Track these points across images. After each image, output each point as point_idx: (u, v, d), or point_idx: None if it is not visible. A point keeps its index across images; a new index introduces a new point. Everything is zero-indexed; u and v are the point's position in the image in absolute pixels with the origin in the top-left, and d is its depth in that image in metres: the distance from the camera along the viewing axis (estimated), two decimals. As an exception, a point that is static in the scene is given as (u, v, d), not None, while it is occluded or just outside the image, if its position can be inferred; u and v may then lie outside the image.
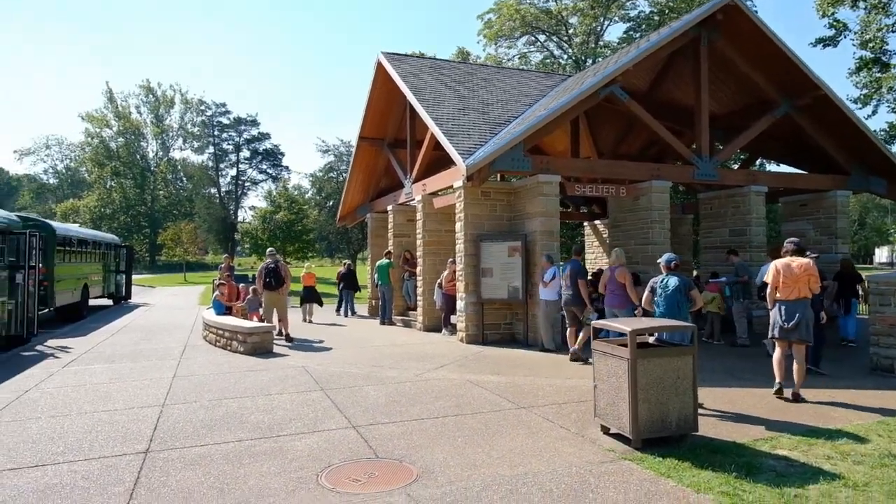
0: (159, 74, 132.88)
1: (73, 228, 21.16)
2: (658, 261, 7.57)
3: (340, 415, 6.64)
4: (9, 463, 5.19)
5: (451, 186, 13.07)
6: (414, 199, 15.08)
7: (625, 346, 5.44)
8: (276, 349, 11.25)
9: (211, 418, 6.53)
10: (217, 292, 14.12)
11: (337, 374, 8.91)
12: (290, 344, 12.09)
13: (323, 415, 6.65)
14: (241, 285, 15.80)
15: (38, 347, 12.28)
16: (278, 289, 12.67)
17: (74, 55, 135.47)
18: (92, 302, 20.72)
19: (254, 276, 17.43)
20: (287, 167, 76.47)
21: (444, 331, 13.56)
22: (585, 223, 19.99)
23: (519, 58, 38.37)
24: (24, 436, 5.98)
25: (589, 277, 11.53)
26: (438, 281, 13.65)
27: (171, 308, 22.25)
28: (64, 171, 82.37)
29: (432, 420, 6.41)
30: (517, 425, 6.22)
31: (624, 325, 5.66)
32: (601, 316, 9.59)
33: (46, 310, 15.96)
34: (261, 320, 12.83)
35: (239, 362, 10.06)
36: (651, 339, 6.18)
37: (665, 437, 5.48)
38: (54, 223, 18.51)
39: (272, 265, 12.83)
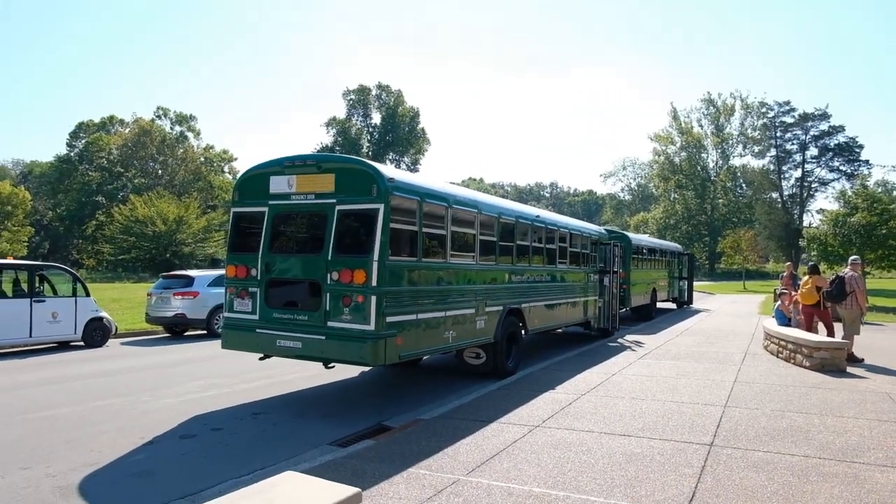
0: (719, 85, 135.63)
1: (644, 238, 24.06)
2: None
3: (939, 457, 5.50)
4: (605, 428, 6.54)
5: None
6: None
7: None
8: (850, 369, 10.02)
9: (773, 427, 6.48)
10: (779, 302, 13.57)
11: (935, 410, 7.32)
12: (865, 364, 10.54)
13: (913, 452, 5.66)
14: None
15: (619, 340, 14.57)
16: (839, 302, 11.20)
17: (653, 87, 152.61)
18: (658, 305, 23.02)
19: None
20: (867, 161, 65.49)
21: None
22: None
23: None
24: (612, 410, 7.37)
25: None
26: None
27: (730, 315, 22.46)
28: (636, 187, 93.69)
29: None
30: None
31: None
32: None
33: (624, 309, 18.72)
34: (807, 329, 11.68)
35: (803, 377, 9.46)
36: None
37: None
38: (630, 234, 21.52)
39: (838, 276, 11.51)
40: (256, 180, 8.03)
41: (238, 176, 9.56)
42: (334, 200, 7.38)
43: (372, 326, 7.00)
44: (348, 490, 3.34)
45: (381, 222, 7.08)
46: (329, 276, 7.22)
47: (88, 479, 5.30)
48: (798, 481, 4.89)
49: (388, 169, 7.66)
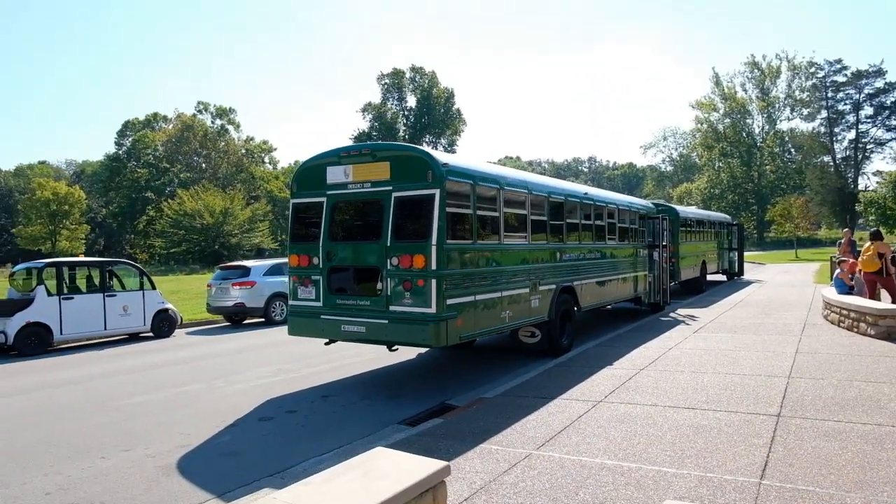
0: (762, 48, 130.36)
1: (692, 210, 23.59)
2: None
3: None
4: (668, 402, 6.61)
5: None
6: None
7: None
8: (917, 336, 9.77)
9: (841, 397, 6.44)
10: (838, 270, 13.22)
11: None
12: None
13: None
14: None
15: (671, 315, 14.47)
16: None
17: (691, 55, 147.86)
18: (708, 277, 22.62)
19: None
20: (928, 117, 62.18)
21: None
22: None
23: None
24: (673, 384, 7.41)
25: None
26: None
27: (785, 285, 21.93)
28: (678, 158, 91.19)
29: None
30: None
31: None
32: None
33: (673, 283, 18.50)
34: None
35: (869, 346, 9.28)
36: None
37: None
38: (677, 207, 21.14)
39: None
40: (314, 171, 8.28)
41: (295, 167, 9.77)
42: (390, 188, 7.57)
43: (433, 309, 7.20)
44: (438, 463, 3.54)
45: (437, 207, 7.24)
46: (389, 261, 7.44)
47: (184, 459, 5.69)
48: (873, 449, 4.89)
49: (441, 154, 7.80)
